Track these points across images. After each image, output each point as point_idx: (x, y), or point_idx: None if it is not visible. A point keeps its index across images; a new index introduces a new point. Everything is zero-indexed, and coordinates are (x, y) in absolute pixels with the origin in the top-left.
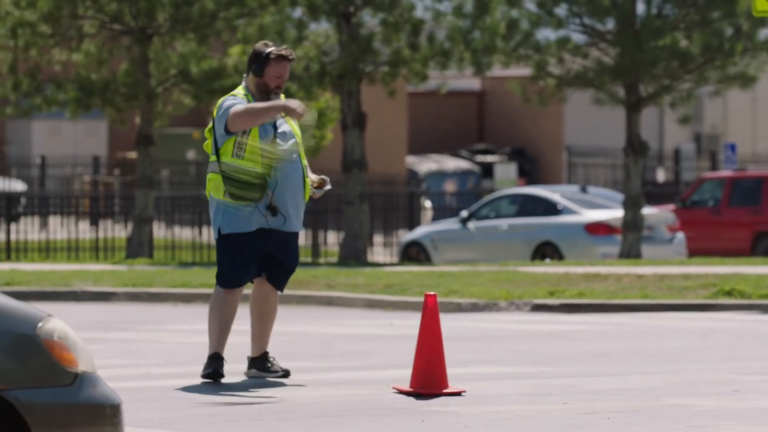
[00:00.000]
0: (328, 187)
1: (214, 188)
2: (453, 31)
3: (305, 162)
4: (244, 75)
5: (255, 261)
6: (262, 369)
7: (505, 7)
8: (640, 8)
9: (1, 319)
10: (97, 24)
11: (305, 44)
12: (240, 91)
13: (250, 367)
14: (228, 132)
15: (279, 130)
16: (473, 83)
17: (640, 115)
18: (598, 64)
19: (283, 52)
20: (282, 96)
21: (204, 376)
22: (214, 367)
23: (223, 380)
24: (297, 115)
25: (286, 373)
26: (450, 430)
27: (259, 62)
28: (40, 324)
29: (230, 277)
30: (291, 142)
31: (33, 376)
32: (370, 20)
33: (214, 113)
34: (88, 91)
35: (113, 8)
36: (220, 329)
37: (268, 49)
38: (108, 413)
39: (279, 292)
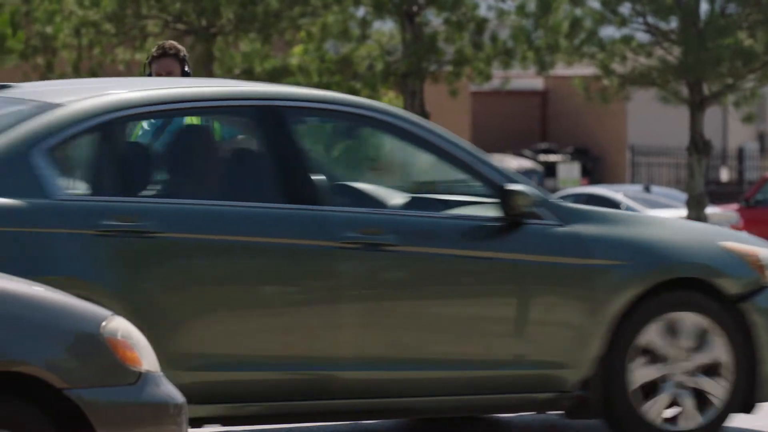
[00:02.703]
0: None
1: None
2: (516, 29)
3: None
4: None
5: None
6: None
7: (569, 5)
8: (704, 7)
9: (64, 317)
10: (160, 23)
11: (369, 43)
12: None
13: None
14: None
15: None
16: (536, 82)
17: (703, 114)
18: (662, 63)
19: (156, 51)
20: None
21: None
22: None
23: None
24: None
25: None
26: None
27: (149, 68)
28: (103, 323)
29: None
30: None
31: (96, 375)
32: (433, 19)
33: None
34: None
35: (177, 7)
36: None
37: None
38: (171, 412)
39: None
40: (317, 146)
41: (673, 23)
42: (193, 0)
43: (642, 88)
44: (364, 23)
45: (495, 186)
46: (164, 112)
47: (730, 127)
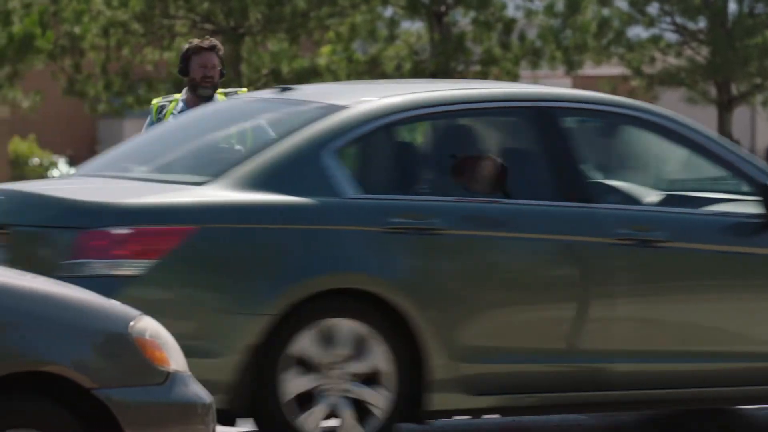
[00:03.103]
0: None
1: None
2: (544, 29)
3: None
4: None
5: None
6: None
7: (597, 5)
8: (732, 7)
9: (93, 317)
10: (188, 23)
11: (397, 43)
12: (178, 95)
13: None
14: None
15: None
16: (564, 82)
17: (731, 114)
18: (690, 63)
19: (204, 44)
20: (220, 95)
21: None
22: None
23: None
24: None
25: None
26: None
27: (183, 61)
28: (132, 323)
29: None
30: None
31: (125, 375)
32: (461, 19)
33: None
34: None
35: (205, 8)
36: None
37: (188, 45)
38: (200, 412)
39: None
40: (581, 145)
41: (702, 23)
42: (221, 0)
43: (670, 89)
44: (392, 23)
45: (758, 184)
46: (444, 113)
47: (758, 127)
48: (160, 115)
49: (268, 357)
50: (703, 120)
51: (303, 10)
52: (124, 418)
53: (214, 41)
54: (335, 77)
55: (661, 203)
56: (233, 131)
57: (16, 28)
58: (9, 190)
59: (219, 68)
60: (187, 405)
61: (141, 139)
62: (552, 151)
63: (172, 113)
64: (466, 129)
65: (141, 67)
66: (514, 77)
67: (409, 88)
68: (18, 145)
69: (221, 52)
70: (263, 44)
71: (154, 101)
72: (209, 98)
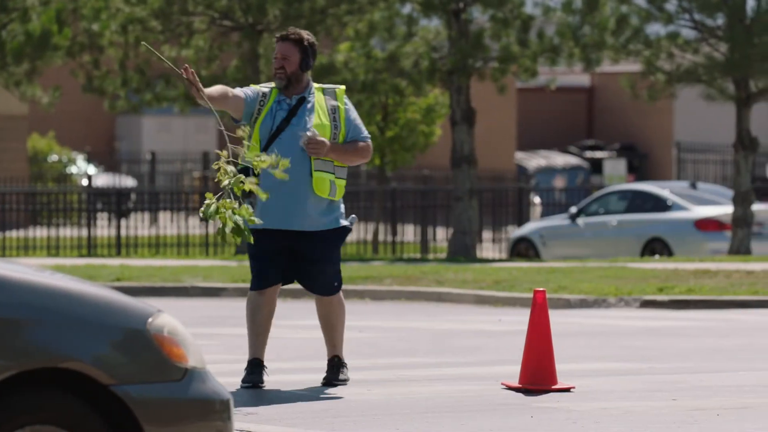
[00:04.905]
0: (309, 134)
1: None
2: (562, 26)
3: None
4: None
5: (277, 260)
6: (331, 374)
7: (615, 2)
8: (751, 3)
9: (112, 314)
10: (207, 20)
11: (415, 40)
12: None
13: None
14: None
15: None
16: (582, 79)
17: (750, 110)
18: (708, 60)
19: (277, 34)
20: (317, 90)
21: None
22: (253, 380)
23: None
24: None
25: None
26: (559, 426)
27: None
28: (150, 319)
29: (255, 277)
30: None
31: (143, 372)
32: (479, 16)
33: None
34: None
35: (223, 4)
36: (256, 334)
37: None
38: (218, 408)
39: (330, 296)
40: None
41: (720, 20)
42: None
43: (688, 85)
44: (411, 20)
45: None
46: None
47: None
48: (262, 99)
49: None
50: (721, 117)
51: (321, 6)
52: (143, 415)
53: (290, 30)
54: (353, 74)
55: None
56: None
57: (34, 25)
58: None
59: (299, 58)
60: (205, 401)
61: None
62: None
63: (274, 101)
64: None
65: (159, 64)
66: (532, 74)
67: None
68: (37, 141)
69: (306, 41)
70: None
71: (256, 87)
72: (285, 89)
